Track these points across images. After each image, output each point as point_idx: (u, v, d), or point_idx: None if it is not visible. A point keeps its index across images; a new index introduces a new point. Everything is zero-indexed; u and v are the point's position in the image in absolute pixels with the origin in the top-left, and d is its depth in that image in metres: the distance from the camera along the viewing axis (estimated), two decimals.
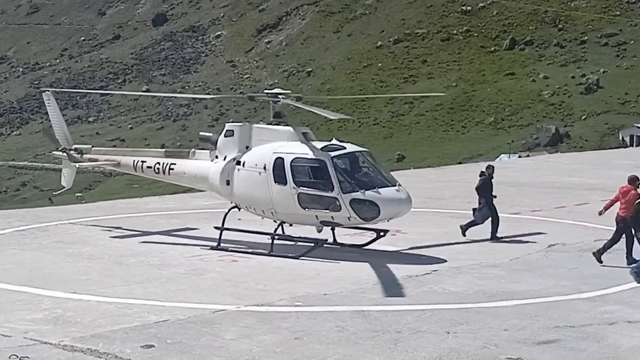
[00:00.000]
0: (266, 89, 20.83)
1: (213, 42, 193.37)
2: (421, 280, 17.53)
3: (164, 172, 22.71)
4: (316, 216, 19.47)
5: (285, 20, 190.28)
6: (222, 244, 20.63)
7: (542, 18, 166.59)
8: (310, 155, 19.46)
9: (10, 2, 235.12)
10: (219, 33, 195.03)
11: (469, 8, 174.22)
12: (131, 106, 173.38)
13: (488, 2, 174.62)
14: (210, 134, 22.15)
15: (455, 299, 16.02)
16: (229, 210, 21.06)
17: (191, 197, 30.86)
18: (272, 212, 20.10)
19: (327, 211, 19.25)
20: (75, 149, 24.77)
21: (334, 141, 20.38)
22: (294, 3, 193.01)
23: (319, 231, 20.07)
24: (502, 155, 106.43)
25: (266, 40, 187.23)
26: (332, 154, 19.47)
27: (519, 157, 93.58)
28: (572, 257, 20.08)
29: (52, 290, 16.42)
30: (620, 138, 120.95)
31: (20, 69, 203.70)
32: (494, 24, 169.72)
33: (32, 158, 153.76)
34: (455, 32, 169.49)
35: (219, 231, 20.84)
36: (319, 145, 19.88)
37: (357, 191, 19.05)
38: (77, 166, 24.71)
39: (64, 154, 24.82)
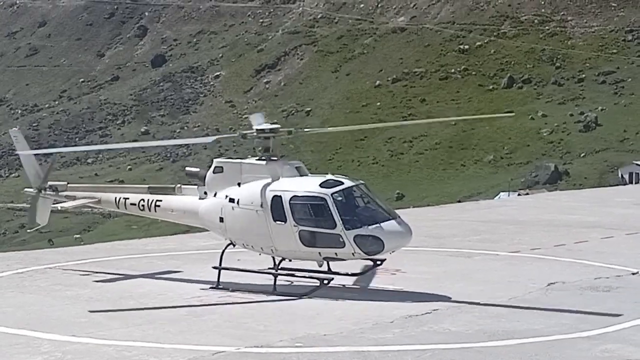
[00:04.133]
0: (255, 126, 20.67)
1: (212, 83, 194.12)
2: (421, 320, 17.46)
3: (149, 209, 22.36)
4: (319, 253, 19.44)
5: (284, 61, 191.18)
6: (223, 284, 20.54)
7: (540, 56, 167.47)
8: (309, 192, 19.39)
9: (9, 44, 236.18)
10: (218, 73, 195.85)
11: (466, 47, 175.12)
12: (130, 147, 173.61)
13: (485, 41, 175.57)
14: (197, 169, 21.95)
15: (456, 338, 15.95)
16: (225, 249, 20.95)
17: (190, 237, 30.80)
18: (271, 250, 20.01)
19: (331, 248, 19.22)
20: (50, 187, 24.11)
21: (329, 176, 20.29)
22: (293, 43, 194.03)
23: (320, 265, 20.02)
24: (502, 194, 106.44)
25: (265, 80, 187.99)
26: (332, 190, 19.41)
27: (519, 195, 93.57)
28: (572, 295, 20.01)
29: (51, 333, 16.34)
30: (620, 175, 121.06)
31: (19, 111, 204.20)
32: (492, 62, 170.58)
33: (30, 199, 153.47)
34: (453, 70, 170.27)
35: (218, 271, 20.75)
36: (316, 180, 19.81)
37: (360, 227, 19.04)
38: (60, 207, 24.21)
39: (38, 192, 24.17)
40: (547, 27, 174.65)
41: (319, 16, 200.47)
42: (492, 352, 15.02)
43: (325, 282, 19.88)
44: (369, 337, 16.08)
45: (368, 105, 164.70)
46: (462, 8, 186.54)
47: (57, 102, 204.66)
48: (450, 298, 19.41)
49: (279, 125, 21.12)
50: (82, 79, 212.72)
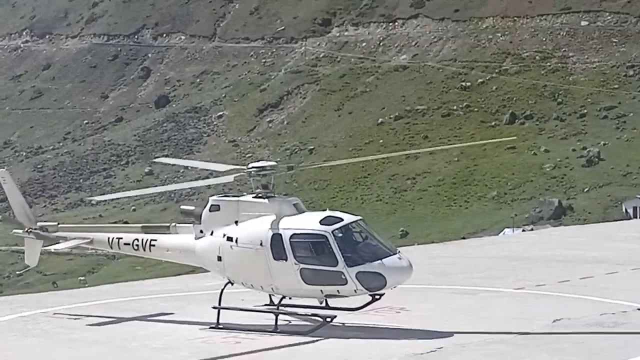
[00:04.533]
0: (252, 163, 20.64)
1: (215, 123, 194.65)
2: (426, 358, 17.38)
3: (144, 249, 22.17)
4: (321, 290, 19.37)
5: (287, 100, 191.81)
6: (227, 323, 20.41)
7: (542, 92, 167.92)
8: (310, 229, 19.35)
9: (14, 87, 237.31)
10: (221, 113, 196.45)
11: (468, 84, 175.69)
12: (134, 187, 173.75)
13: (487, 78, 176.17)
14: (193, 208, 21.80)
15: None
16: (224, 288, 20.83)
17: (194, 278, 30.72)
18: (272, 288, 19.91)
19: (333, 285, 19.16)
20: (41, 227, 23.78)
21: (328, 212, 20.24)
22: (295, 82, 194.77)
23: (321, 302, 19.93)
24: (506, 230, 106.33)
25: (268, 120, 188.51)
26: (332, 227, 19.36)
27: (523, 230, 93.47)
28: (578, 332, 19.91)
29: None
30: (624, 210, 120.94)
31: (24, 153, 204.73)
32: (494, 99, 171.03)
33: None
34: (455, 107, 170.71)
35: (218, 311, 20.62)
36: (316, 217, 19.76)
37: (362, 263, 19.01)
38: (53, 249, 23.95)
39: (28, 233, 23.83)
40: (548, 64, 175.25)
41: (321, 55, 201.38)
42: None
43: (328, 319, 19.80)
44: None
45: (371, 143, 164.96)
46: (464, 46, 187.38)
47: (61, 144, 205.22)
48: (455, 336, 19.32)
49: (275, 163, 21.14)
50: (86, 121, 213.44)
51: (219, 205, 20.79)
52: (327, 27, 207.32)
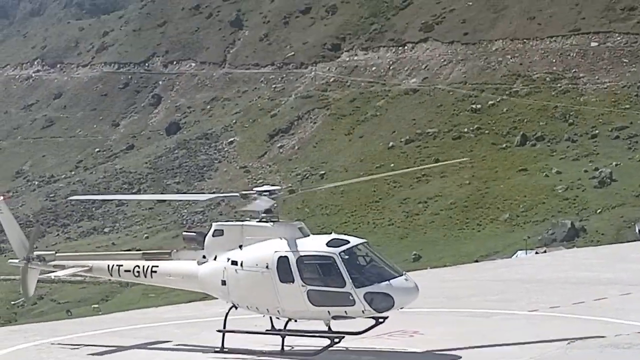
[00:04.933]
0: (256, 187, 20.64)
1: (226, 149, 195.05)
2: None
3: (145, 275, 22.11)
4: (328, 312, 19.36)
5: (297, 125, 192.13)
6: (232, 348, 20.38)
7: (552, 114, 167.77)
8: (317, 251, 19.39)
9: (25, 116, 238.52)
10: (232, 139, 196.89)
11: (479, 106, 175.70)
12: (146, 215, 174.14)
13: (498, 100, 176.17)
14: (195, 234, 21.81)
15: None
16: (228, 312, 20.82)
17: (206, 305, 30.74)
18: (278, 311, 19.88)
19: (340, 306, 19.14)
20: (38, 257, 23.60)
21: (333, 235, 20.29)
22: (305, 107, 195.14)
23: (327, 325, 19.88)
24: (519, 252, 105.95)
25: (279, 145, 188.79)
26: (339, 249, 19.42)
27: (536, 253, 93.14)
28: (592, 353, 19.81)
29: None
30: (637, 231, 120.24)
31: (36, 182, 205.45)
32: (505, 121, 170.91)
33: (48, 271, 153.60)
34: (466, 130, 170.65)
35: (231, 334, 20.59)
36: (322, 240, 19.81)
37: (370, 284, 19.03)
38: (53, 276, 23.78)
39: (25, 262, 23.48)
40: (559, 85, 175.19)
41: (331, 80, 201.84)
42: None
43: (337, 340, 19.75)
44: None
45: (382, 167, 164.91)
46: (474, 68, 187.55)
47: (73, 173, 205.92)
48: (469, 359, 19.25)
49: (279, 187, 21.19)
50: (97, 149, 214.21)
51: (222, 230, 20.81)
52: (337, 52, 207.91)
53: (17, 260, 23.92)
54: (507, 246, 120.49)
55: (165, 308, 32.06)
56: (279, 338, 20.19)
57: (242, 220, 21.12)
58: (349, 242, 19.77)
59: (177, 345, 22.52)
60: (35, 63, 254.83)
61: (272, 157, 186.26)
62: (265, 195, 20.52)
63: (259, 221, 20.54)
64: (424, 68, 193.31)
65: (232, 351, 20.24)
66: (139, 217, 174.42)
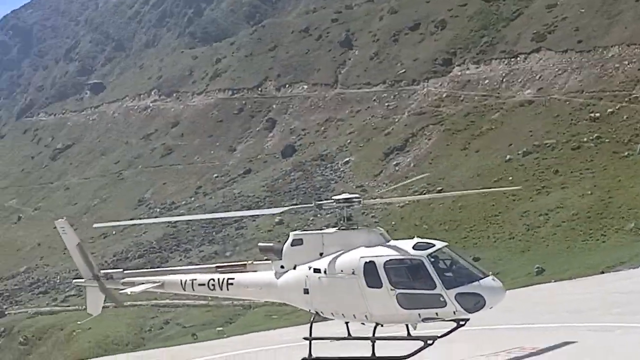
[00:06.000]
0: (333, 197, 20.63)
1: (342, 169, 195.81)
2: None
3: (221, 288, 22.13)
4: (418, 314, 19.21)
5: (412, 142, 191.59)
6: (321, 357, 20.35)
7: None
8: (404, 255, 19.35)
9: (145, 146, 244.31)
10: (347, 159, 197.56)
11: (597, 114, 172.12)
12: (265, 237, 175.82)
13: (617, 107, 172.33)
14: (272, 244, 21.88)
15: None
16: (312, 320, 20.74)
17: (325, 325, 30.70)
18: (365, 316, 19.77)
19: (431, 308, 18.97)
20: (105, 275, 23.74)
21: (417, 239, 20.12)
22: (420, 124, 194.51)
23: (415, 327, 19.74)
24: None
25: (394, 163, 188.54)
26: (427, 251, 19.42)
27: None
28: None
29: None
30: None
31: (158, 210, 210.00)
32: (625, 128, 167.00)
33: (173, 296, 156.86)
34: (585, 139, 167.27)
35: (309, 342, 20.55)
36: (408, 243, 19.68)
37: (460, 285, 18.84)
38: (129, 292, 23.81)
39: (94, 281, 23.61)
40: None
41: (444, 95, 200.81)
42: None
43: (430, 342, 19.59)
44: None
45: (500, 181, 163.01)
46: (590, 76, 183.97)
47: (193, 199, 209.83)
48: None
49: (356, 195, 21.16)
50: (215, 175, 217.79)
51: (301, 239, 20.84)
52: (448, 67, 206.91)
53: (82, 280, 23.99)
54: (634, 256, 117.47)
55: (285, 330, 32.29)
56: (354, 346, 20.25)
57: (320, 229, 21.12)
58: (434, 245, 19.77)
59: None
60: (152, 93, 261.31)
61: (388, 175, 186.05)
62: (343, 203, 20.56)
63: (339, 229, 20.55)
64: (538, 78, 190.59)
65: (319, 359, 20.21)
66: (259, 240, 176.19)
